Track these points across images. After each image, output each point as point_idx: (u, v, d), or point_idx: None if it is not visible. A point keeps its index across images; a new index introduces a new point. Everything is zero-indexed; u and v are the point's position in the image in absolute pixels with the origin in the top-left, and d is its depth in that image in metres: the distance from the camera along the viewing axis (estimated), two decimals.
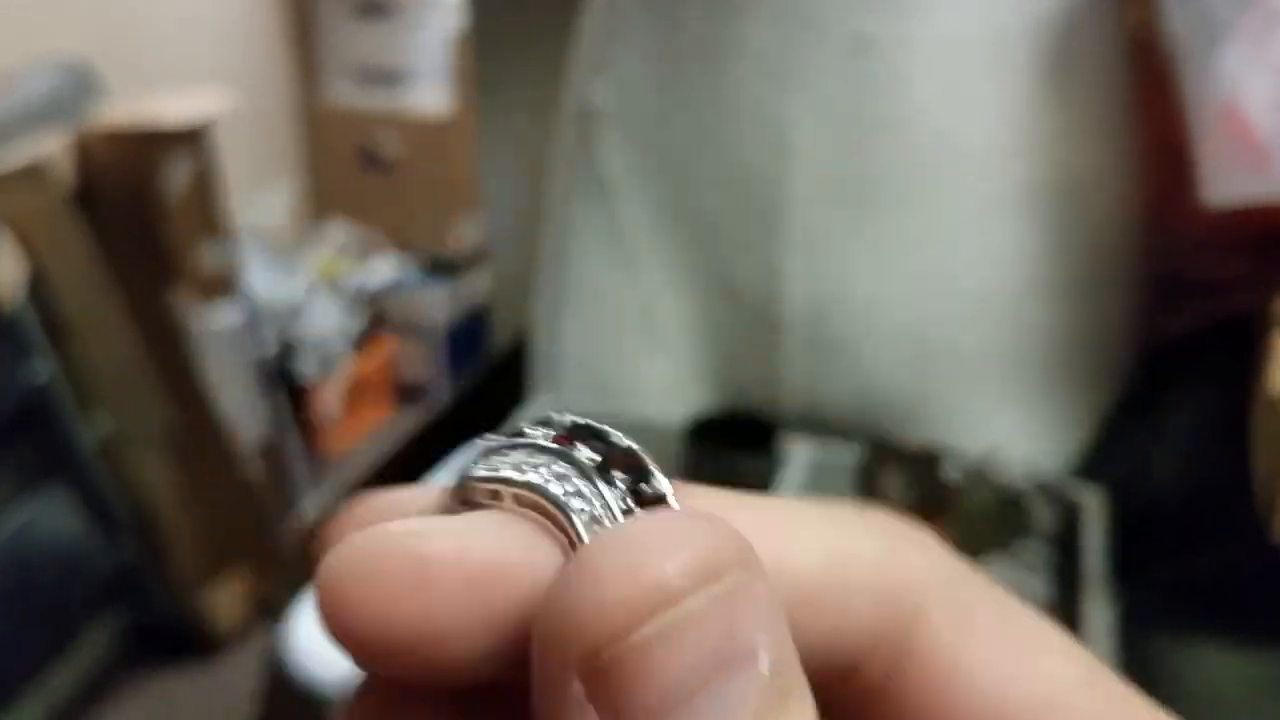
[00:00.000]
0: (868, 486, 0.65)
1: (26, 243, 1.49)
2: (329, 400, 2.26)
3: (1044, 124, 0.74)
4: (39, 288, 1.51)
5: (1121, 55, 0.78)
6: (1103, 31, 0.76)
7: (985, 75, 0.72)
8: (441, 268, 2.60)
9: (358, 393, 2.40)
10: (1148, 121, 0.80)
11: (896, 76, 0.72)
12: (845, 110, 0.73)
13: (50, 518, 1.56)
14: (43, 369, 1.51)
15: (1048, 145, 0.75)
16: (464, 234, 2.59)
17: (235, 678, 1.74)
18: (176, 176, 1.60)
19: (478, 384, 1.06)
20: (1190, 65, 0.67)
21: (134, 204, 1.60)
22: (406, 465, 1.41)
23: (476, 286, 2.65)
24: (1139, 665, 0.62)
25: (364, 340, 2.44)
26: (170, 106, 1.61)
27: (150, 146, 1.57)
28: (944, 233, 0.75)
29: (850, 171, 0.74)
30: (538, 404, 0.83)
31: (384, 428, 2.46)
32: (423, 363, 2.56)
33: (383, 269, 2.51)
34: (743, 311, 0.82)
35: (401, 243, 2.58)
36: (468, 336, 2.64)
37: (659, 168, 0.81)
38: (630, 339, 0.87)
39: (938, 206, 0.75)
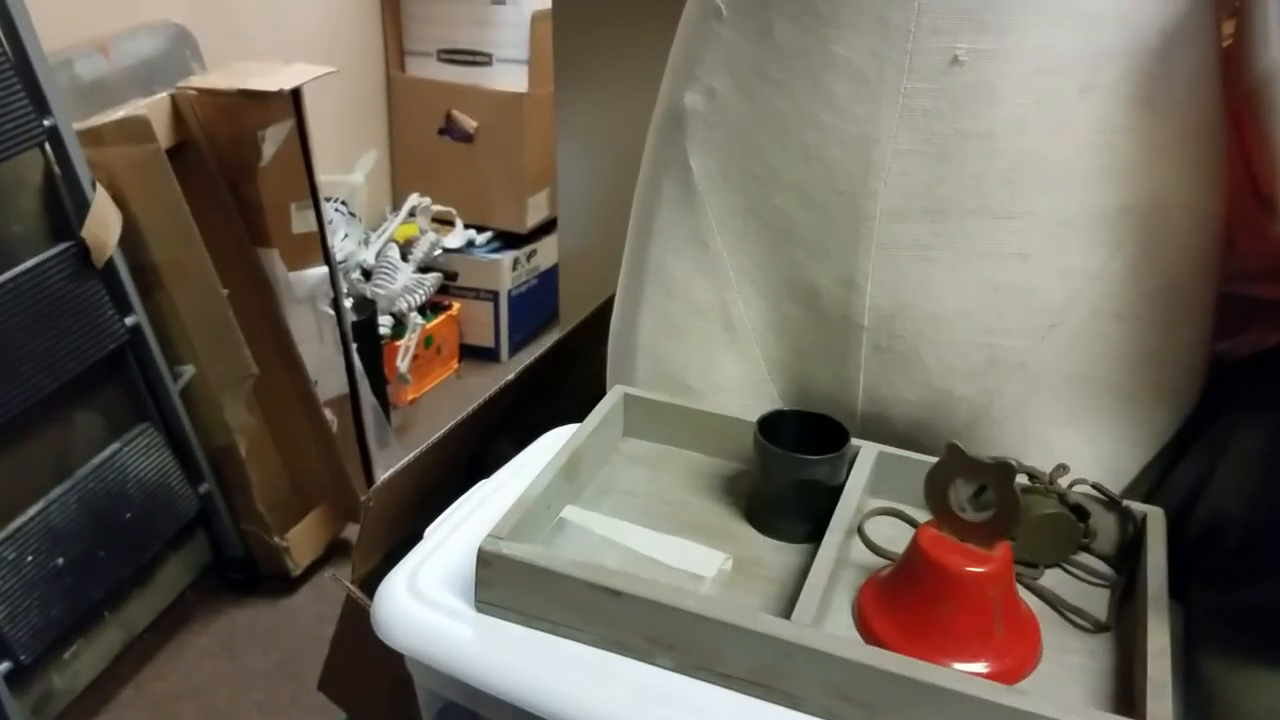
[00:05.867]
0: (938, 493, 0.63)
1: (123, 196, 1.53)
2: (401, 359, 2.32)
3: (1135, 145, 0.72)
4: (133, 239, 1.55)
5: (1217, 75, 0.75)
6: (1200, 50, 0.73)
7: (1078, 94, 0.70)
8: (512, 237, 2.65)
9: (428, 353, 2.47)
10: (1230, 141, 0.78)
11: (988, 92, 0.70)
12: (934, 123, 0.72)
13: (136, 456, 1.61)
14: (134, 317, 1.56)
15: (1138, 166, 0.72)
16: (536, 207, 2.64)
17: (303, 615, 1.81)
18: (269, 140, 1.63)
19: (545, 354, 1.11)
20: None
21: (227, 164, 1.64)
22: (476, 427, 1.46)
23: (545, 257, 2.70)
24: (1195, 688, 0.62)
25: (435, 303, 2.50)
26: (265, 73, 1.64)
27: (245, 110, 1.60)
28: (1023, 248, 0.74)
29: (935, 184, 0.73)
30: (613, 392, 0.82)
31: (451, 388, 2.53)
32: (489, 327, 2.62)
33: (456, 236, 2.57)
34: (819, 314, 0.81)
35: (475, 212, 2.64)
36: (534, 304, 2.70)
37: (745, 172, 0.81)
38: (706, 335, 0.86)
39: (1020, 222, 0.73)
